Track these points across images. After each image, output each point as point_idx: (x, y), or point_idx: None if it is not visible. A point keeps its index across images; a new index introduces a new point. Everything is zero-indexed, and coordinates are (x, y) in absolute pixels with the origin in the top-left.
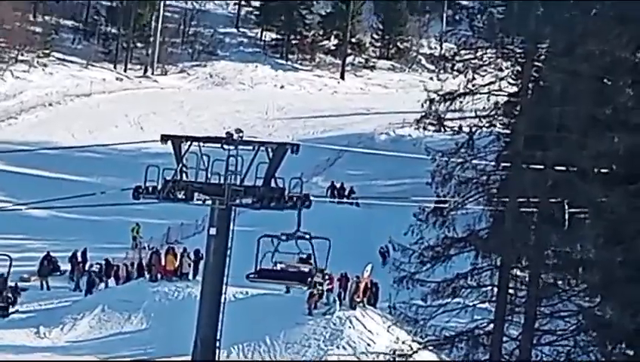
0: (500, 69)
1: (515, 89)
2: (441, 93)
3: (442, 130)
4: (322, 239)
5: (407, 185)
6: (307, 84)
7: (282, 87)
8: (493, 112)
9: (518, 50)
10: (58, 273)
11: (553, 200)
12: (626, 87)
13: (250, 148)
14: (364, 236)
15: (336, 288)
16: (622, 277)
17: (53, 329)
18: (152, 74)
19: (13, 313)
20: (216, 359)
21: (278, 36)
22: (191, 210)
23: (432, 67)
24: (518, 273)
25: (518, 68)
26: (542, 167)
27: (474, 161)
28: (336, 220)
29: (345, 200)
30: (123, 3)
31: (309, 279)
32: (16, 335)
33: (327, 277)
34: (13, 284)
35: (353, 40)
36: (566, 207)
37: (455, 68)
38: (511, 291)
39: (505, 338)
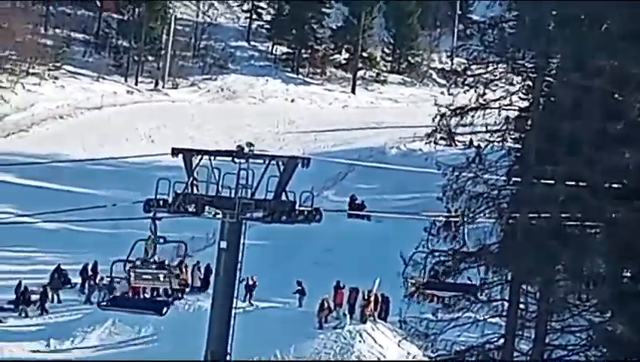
0: (511, 84)
1: (526, 104)
2: (452, 107)
3: (453, 144)
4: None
5: (417, 200)
6: (318, 97)
7: (293, 100)
8: (504, 127)
9: (529, 65)
10: (69, 286)
11: (564, 215)
12: (636, 102)
13: (261, 161)
14: (374, 250)
15: (346, 302)
16: (632, 293)
17: (63, 342)
18: (163, 87)
19: None
20: None
21: (289, 50)
22: (202, 224)
23: (443, 81)
24: (529, 288)
25: (529, 83)
26: (553, 181)
27: (485, 176)
28: (346, 234)
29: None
30: (134, 16)
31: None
32: (26, 348)
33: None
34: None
35: (364, 54)
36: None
37: (466, 82)
38: (521, 306)
39: (515, 353)
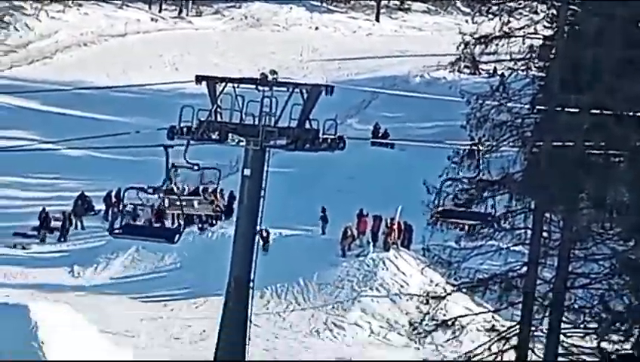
0: (536, 12)
1: (550, 32)
2: (476, 36)
3: (477, 72)
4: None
5: (441, 128)
6: (342, 26)
7: (317, 28)
8: (528, 55)
9: None
10: (92, 212)
11: (588, 143)
12: None
13: (285, 89)
14: (398, 178)
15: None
16: None
17: (87, 269)
18: (187, 15)
19: None
20: (250, 299)
21: None
22: (224, 151)
23: (468, 10)
24: (552, 216)
25: (554, 11)
26: (577, 110)
27: (509, 104)
28: (370, 162)
29: (379, 140)
30: None
31: (177, 236)
32: (50, 274)
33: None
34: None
35: None
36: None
37: (490, 11)
38: (545, 234)
39: (538, 281)
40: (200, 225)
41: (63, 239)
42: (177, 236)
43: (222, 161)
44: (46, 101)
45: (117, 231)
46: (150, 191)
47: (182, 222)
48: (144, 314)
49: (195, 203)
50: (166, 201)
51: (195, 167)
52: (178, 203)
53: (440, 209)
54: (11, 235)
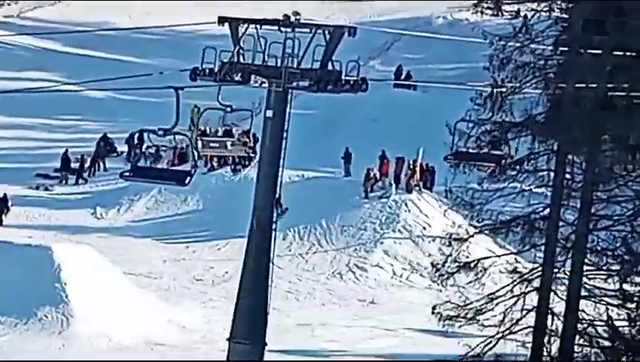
0: None
1: None
2: None
3: (500, 14)
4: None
5: (463, 70)
6: None
7: None
8: None
9: None
10: (115, 154)
11: (610, 85)
12: None
13: (307, 30)
14: (420, 120)
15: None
16: None
17: (109, 210)
18: None
19: None
20: (272, 240)
21: None
22: (247, 93)
23: None
24: (575, 158)
25: None
26: (600, 51)
27: (531, 46)
28: (393, 104)
29: (402, 82)
30: None
31: (188, 178)
32: (73, 215)
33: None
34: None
35: None
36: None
37: None
38: (567, 176)
39: (561, 223)
40: (233, 167)
41: (84, 180)
42: (188, 178)
43: (245, 103)
44: (69, 42)
45: (126, 173)
46: (161, 133)
47: (215, 164)
48: (166, 256)
49: (229, 144)
50: (199, 143)
51: (228, 109)
52: (212, 144)
53: (453, 151)
54: (34, 177)
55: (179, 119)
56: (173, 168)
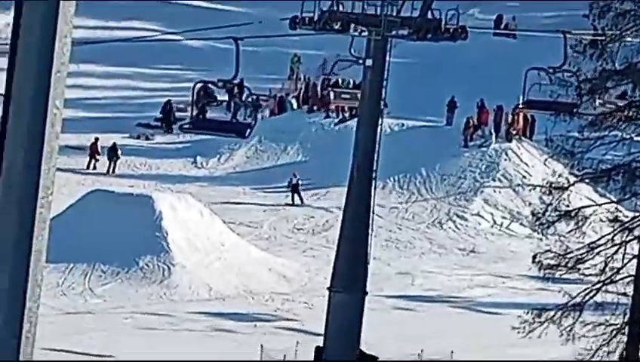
0: None
1: None
2: None
3: None
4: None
5: (564, 18)
6: None
7: None
8: None
9: None
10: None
11: None
12: None
13: None
14: (520, 69)
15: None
16: None
17: (210, 160)
18: None
19: None
20: (372, 189)
21: None
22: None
23: None
24: None
25: None
26: None
27: None
28: (492, 52)
29: (501, 31)
30: None
31: (248, 131)
32: (173, 165)
33: None
34: None
35: None
36: None
37: None
38: None
39: None
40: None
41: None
42: (248, 130)
43: (344, 52)
44: None
45: (186, 125)
46: (220, 84)
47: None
48: (267, 205)
49: (359, 95)
50: (331, 94)
51: (360, 60)
52: (344, 95)
53: (526, 99)
54: (135, 126)
55: (238, 70)
56: (233, 121)
